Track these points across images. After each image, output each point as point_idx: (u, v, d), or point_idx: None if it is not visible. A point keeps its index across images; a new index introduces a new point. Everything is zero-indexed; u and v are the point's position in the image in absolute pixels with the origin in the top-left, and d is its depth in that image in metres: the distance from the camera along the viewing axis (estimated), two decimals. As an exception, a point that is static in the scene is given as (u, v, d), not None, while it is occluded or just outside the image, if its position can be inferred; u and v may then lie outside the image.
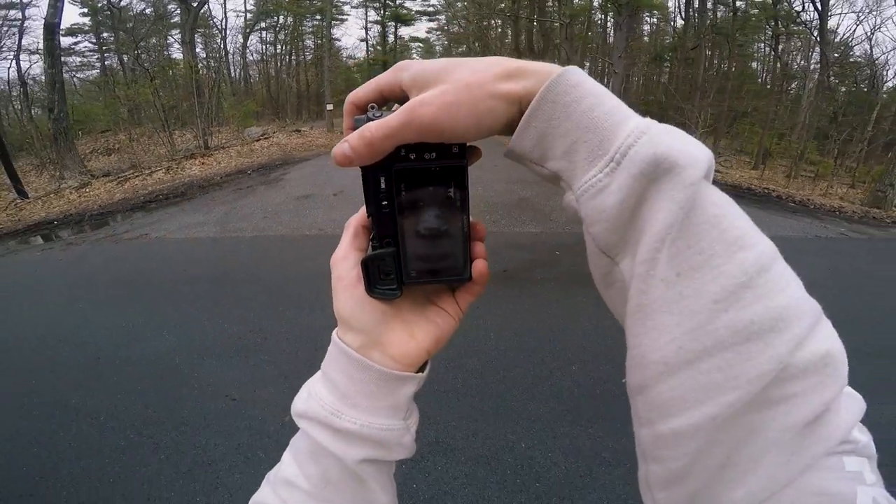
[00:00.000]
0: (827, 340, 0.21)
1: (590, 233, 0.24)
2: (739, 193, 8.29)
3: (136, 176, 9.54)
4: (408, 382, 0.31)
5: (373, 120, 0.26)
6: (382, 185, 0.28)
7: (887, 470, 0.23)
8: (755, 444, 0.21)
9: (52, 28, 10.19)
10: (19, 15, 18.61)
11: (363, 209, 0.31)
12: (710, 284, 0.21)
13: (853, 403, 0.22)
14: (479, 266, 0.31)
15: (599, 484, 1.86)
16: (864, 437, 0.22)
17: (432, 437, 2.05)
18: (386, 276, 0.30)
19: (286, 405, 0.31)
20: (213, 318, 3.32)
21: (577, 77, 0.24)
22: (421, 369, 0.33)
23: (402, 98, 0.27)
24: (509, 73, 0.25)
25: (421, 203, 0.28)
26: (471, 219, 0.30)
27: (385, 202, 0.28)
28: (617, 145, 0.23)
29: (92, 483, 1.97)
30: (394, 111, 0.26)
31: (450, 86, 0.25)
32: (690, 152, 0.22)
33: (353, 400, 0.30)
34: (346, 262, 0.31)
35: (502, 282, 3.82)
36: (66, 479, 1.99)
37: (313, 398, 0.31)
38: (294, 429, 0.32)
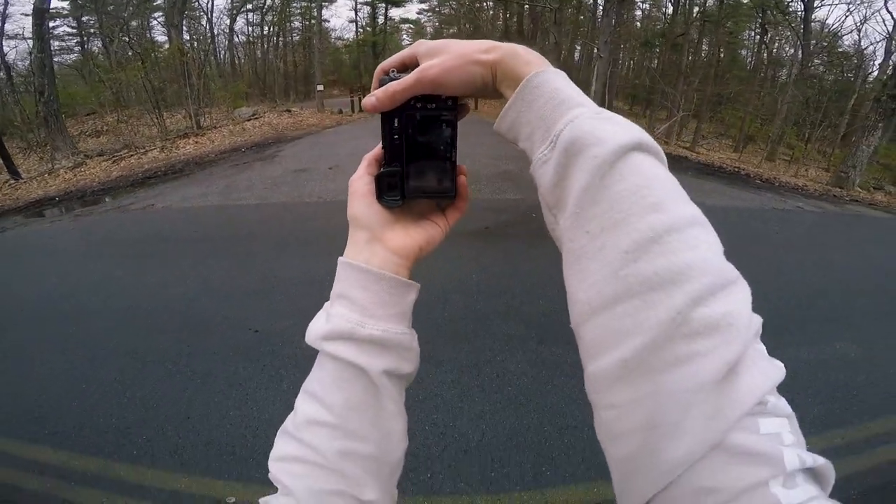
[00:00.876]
0: (732, 303, 0.23)
1: (540, 194, 0.31)
2: (710, 171, 8.82)
3: (131, 155, 9.67)
4: (411, 290, 0.37)
5: (394, 80, 0.35)
6: (395, 125, 0.36)
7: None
8: (673, 407, 0.22)
9: (41, 13, 10.15)
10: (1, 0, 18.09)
11: (377, 147, 0.39)
12: (624, 238, 0.25)
13: (770, 368, 0.24)
14: (461, 179, 0.38)
15: (559, 388, 2.34)
16: (772, 397, 0.23)
17: (424, 352, 2.40)
18: (392, 190, 0.37)
19: (304, 333, 0.36)
20: (229, 269, 3.72)
21: (539, 80, 0.31)
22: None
23: (417, 66, 0.36)
24: (486, 49, 0.33)
25: (422, 138, 0.36)
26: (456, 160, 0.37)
27: (396, 136, 0.37)
28: (555, 131, 0.29)
29: (137, 408, 2.28)
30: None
31: (448, 55, 0.33)
32: (600, 135, 0.27)
33: (371, 311, 0.35)
34: (361, 181, 0.38)
35: (484, 237, 4.35)
36: (115, 408, 2.29)
37: (335, 318, 0.35)
38: (307, 365, 0.36)
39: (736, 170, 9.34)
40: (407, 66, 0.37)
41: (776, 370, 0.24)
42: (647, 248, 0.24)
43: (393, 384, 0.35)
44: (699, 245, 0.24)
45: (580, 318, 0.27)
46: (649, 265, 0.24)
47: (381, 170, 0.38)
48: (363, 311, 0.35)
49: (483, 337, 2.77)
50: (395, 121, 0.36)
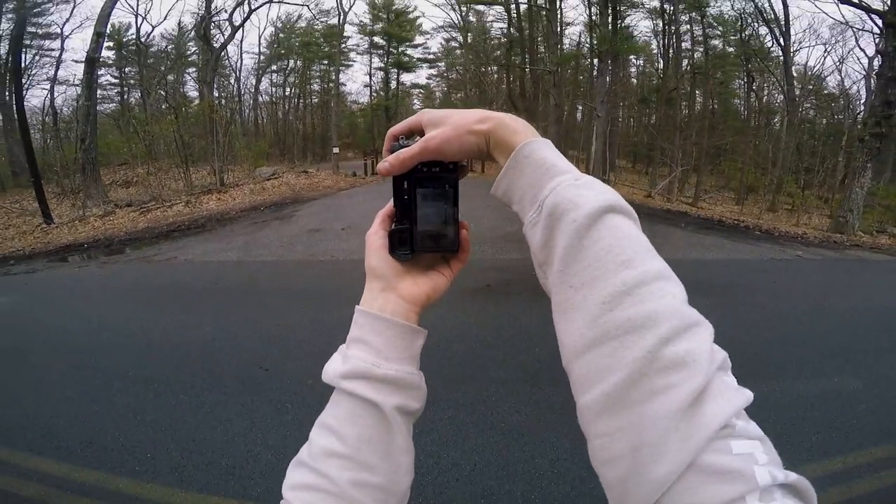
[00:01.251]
0: (694, 342, 0.27)
1: (532, 252, 0.36)
2: (710, 225, 9.01)
3: (158, 207, 10.34)
4: (420, 336, 0.42)
5: (403, 147, 0.40)
6: (405, 186, 0.42)
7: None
8: (652, 432, 0.25)
9: (92, 62, 11.03)
10: (54, 45, 19.98)
11: (390, 203, 0.44)
12: (601, 291, 0.29)
13: (736, 395, 0.27)
14: (463, 234, 0.43)
15: (550, 425, 2.42)
16: (740, 421, 0.26)
17: None
18: (403, 245, 0.42)
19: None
20: (245, 316, 3.97)
21: (529, 149, 0.36)
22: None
23: (422, 132, 0.41)
24: (480, 119, 0.38)
25: (428, 198, 0.42)
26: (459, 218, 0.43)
27: (406, 196, 0.42)
28: (541, 197, 0.34)
29: (146, 430, 2.42)
30: (415, 141, 0.40)
31: (448, 127, 0.39)
32: (577, 201, 0.32)
33: (386, 353, 0.39)
34: (375, 236, 0.43)
35: (485, 294, 4.52)
36: (123, 429, 2.43)
37: (352, 359, 0.39)
38: (317, 400, 0.39)
39: (736, 223, 9.49)
40: (413, 133, 0.42)
41: (741, 397, 0.27)
42: (621, 300, 0.28)
43: (403, 420, 0.39)
44: (665, 295, 0.29)
45: (569, 359, 0.31)
46: (623, 313, 0.28)
47: (393, 227, 0.43)
48: (378, 354, 0.39)
49: (480, 380, 2.90)
50: (405, 183, 0.42)
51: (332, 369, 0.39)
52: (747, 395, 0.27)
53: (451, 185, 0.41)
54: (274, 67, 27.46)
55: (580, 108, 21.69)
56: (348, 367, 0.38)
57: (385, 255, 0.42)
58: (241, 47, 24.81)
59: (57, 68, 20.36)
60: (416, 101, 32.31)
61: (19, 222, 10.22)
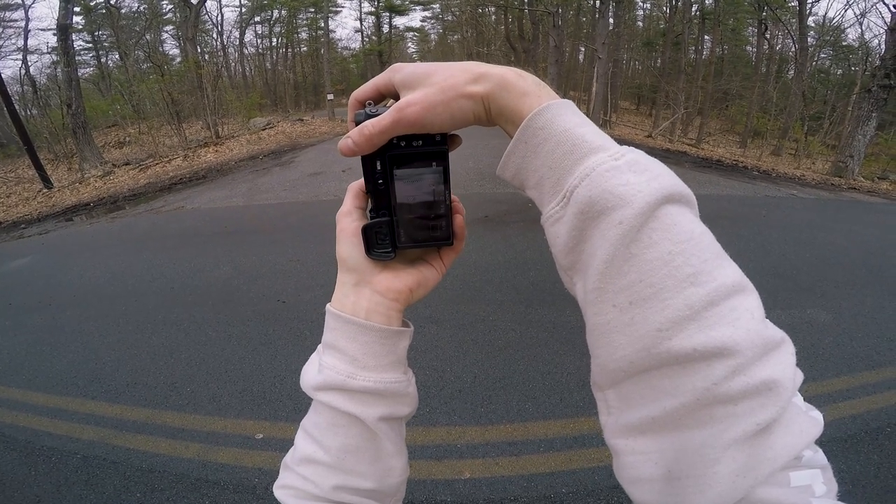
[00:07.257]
0: (772, 368, 0.23)
1: (553, 252, 0.29)
2: (708, 164, 9.02)
3: (157, 164, 10.33)
4: (403, 336, 0.36)
5: (370, 115, 0.31)
6: (378, 168, 0.34)
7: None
8: (698, 461, 0.22)
9: (65, 29, 10.66)
10: (17, 16, 19.29)
11: (363, 179, 0.37)
12: (657, 314, 0.23)
13: (809, 425, 0.24)
14: (458, 220, 0.36)
15: (542, 342, 2.69)
16: (808, 451, 0.23)
17: (427, 314, 2.90)
18: (382, 241, 0.35)
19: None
20: (258, 254, 4.19)
21: (545, 119, 0.28)
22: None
23: (395, 95, 0.32)
24: (475, 78, 0.29)
25: (411, 181, 0.33)
26: (452, 195, 0.35)
27: (381, 181, 0.34)
28: (568, 185, 0.26)
29: (182, 367, 2.62)
30: (388, 107, 0.31)
31: (430, 88, 0.30)
32: (622, 193, 0.24)
33: (363, 362, 0.34)
34: (348, 217, 0.37)
35: (483, 223, 4.79)
36: (162, 368, 2.62)
37: (326, 369, 0.34)
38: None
39: (735, 163, 9.47)
40: (383, 95, 0.34)
41: (814, 426, 0.24)
42: (684, 326, 0.23)
43: (391, 427, 0.36)
44: (741, 316, 0.23)
45: (609, 383, 0.27)
46: (686, 342, 0.23)
47: (369, 217, 0.37)
48: (354, 363, 0.34)
49: (478, 302, 3.16)
50: (378, 163, 0.34)
51: (308, 378, 0.36)
52: (818, 423, 0.24)
53: (440, 163, 0.33)
54: (257, 19, 26.09)
55: (582, 49, 20.93)
56: (321, 378, 0.34)
57: (358, 241, 0.36)
58: (220, 1, 23.53)
59: (26, 38, 19.57)
60: (410, 44, 31.05)
61: (19, 189, 10.18)
